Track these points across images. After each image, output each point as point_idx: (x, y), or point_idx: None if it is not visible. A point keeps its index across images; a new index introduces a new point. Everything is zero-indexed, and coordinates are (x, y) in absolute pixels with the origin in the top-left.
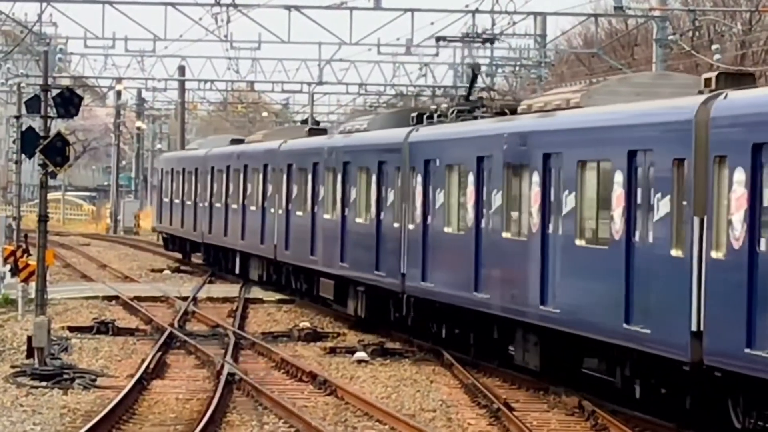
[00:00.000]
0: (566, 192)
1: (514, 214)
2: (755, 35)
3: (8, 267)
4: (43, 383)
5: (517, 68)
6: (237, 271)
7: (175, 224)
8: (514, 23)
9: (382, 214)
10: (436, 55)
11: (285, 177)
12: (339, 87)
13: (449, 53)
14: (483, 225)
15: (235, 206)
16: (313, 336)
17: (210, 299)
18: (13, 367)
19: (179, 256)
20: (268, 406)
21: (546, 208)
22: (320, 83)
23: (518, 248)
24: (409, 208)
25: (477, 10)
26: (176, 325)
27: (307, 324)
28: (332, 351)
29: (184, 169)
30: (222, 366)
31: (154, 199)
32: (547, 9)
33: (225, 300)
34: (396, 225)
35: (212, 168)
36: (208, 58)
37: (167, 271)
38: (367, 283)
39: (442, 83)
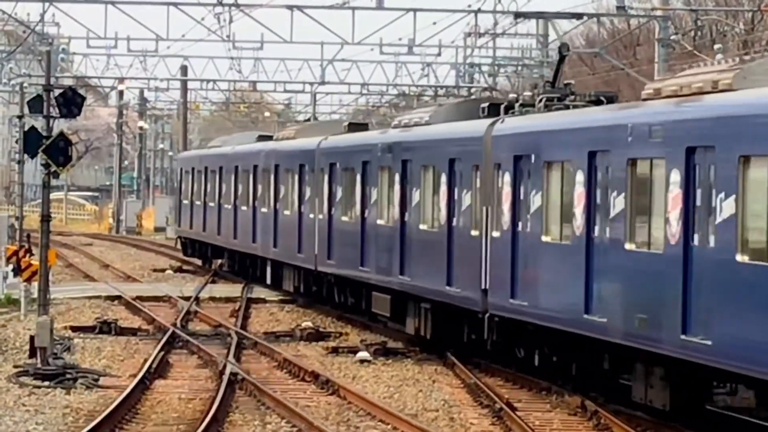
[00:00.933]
0: (722, 194)
1: (641, 220)
2: (757, 35)
3: (11, 267)
4: (46, 383)
5: (520, 68)
6: (269, 281)
7: (196, 228)
8: (517, 23)
9: (455, 220)
10: (439, 55)
11: (327, 178)
12: (341, 87)
13: (451, 53)
14: (597, 234)
15: (265, 210)
16: (316, 336)
17: (212, 299)
18: (15, 366)
19: (199, 262)
20: (270, 406)
21: (691, 215)
22: (322, 83)
23: (652, 263)
24: (493, 213)
25: (480, 10)
26: (179, 324)
27: (310, 324)
28: (335, 351)
29: (206, 168)
30: (224, 366)
31: (156, 199)
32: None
33: (227, 300)
34: (474, 233)
35: (237, 167)
36: (210, 58)
37: (169, 271)
38: (434, 299)
39: (444, 83)
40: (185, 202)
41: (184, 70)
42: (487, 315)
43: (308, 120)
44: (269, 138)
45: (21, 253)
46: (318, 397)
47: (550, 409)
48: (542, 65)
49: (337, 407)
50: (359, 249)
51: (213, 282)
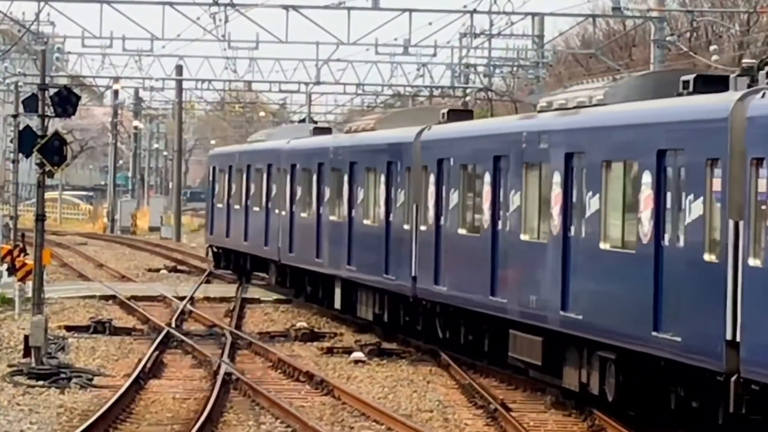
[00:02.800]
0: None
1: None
2: (753, 36)
3: (5, 266)
4: (40, 382)
5: (515, 68)
6: (338, 304)
7: (235, 237)
8: (512, 23)
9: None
10: (434, 55)
11: (434, 179)
12: (336, 87)
13: (447, 54)
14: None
15: (334, 218)
16: (310, 336)
17: (207, 299)
18: (10, 366)
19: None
20: (264, 406)
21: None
22: (318, 83)
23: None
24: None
25: (475, 11)
26: (173, 324)
27: (304, 324)
28: (329, 351)
29: (248, 167)
30: (219, 366)
31: (151, 199)
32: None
33: (222, 300)
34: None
35: (295, 166)
36: (205, 57)
37: (164, 271)
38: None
39: (439, 83)
40: (219, 206)
41: (179, 69)
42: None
43: (303, 121)
44: (326, 131)
45: (15, 253)
46: (312, 398)
47: (545, 410)
48: (537, 66)
49: (331, 407)
50: (488, 272)
51: (208, 282)
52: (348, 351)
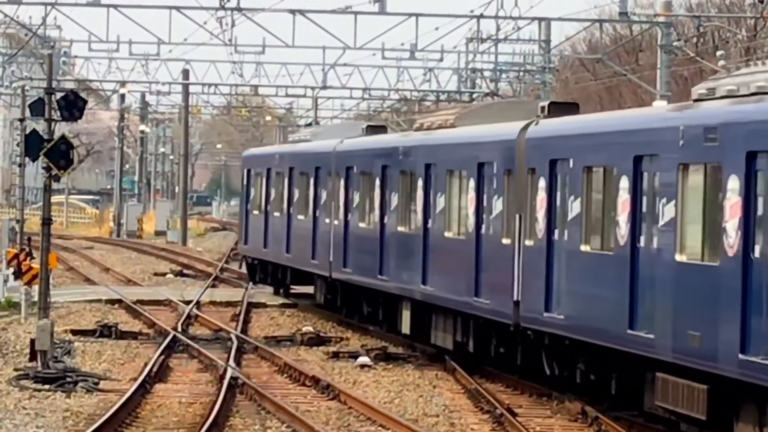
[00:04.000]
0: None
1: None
2: (760, 41)
3: (11, 270)
4: (46, 386)
5: (522, 73)
6: (405, 328)
7: (274, 248)
8: (519, 28)
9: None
10: (441, 60)
11: (544, 184)
12: (343, 91)
13: (453, 58)
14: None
15: (403, 229)
16: (316, 340)
17: (213, 303)
18: (16, 370)
19: (270, 289)
20: (270, 411)
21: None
22: (324, 87)
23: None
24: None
25: (482, 15)
26: (179, 328)
27: (310, 328)
28: (335, 355)
29: (291, 170)
30: (225, 370)
31: (157, 203)
32: (551, 14)
33: (228, 304)
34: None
35: (351, 169)
36: (212, 61)
37: (170, 275)
38: None
39: (446, 88)
40: (255, 213)
41: (185, 73)
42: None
43: (309, 125)
44: (381, 129)
45: (22, 257)
46: (318, 402)
47: (551, 415)
48: (544, 70)
49: (337, 412)
50: (626, 296)
51: (213, 286)
52: (354, 355)
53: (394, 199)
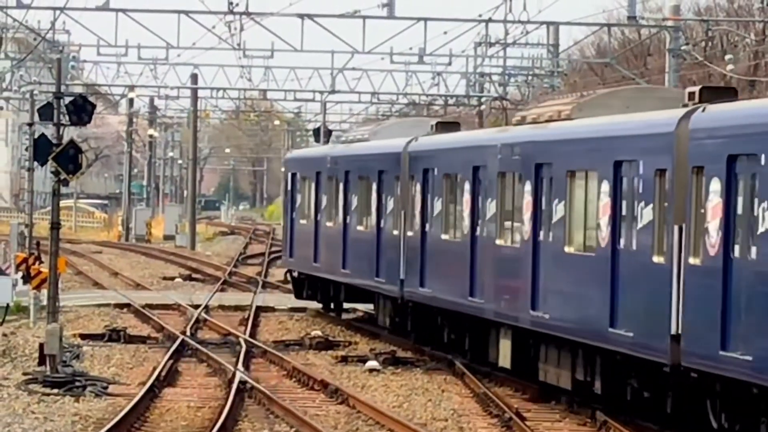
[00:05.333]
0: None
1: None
2: None
3: (20, 274)
4: (55, 390)
5: (530, 77)
6: (505, 362)
7: (327, 262)
8: (527, 32)
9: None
10: (449, 64)
11: (722, 186)
12: (351, 96)
13: (462, 62)
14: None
15: (504, 242)
16: (325, 344)
17: (222, 307)
18: (25, 374)
19: (319, 306)
20: (279, 415)
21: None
22: (333, 92)
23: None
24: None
25: (490, 20)
26: (188, 333)
27: (319, 332)
28: (344, 360)
29: (348, 174)
30: (234, 374)
31: (166, 207)
32: (560, 18)
33: (237, 308)
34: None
35: (428, 171)
36: (220, 66)
37: (179, 279)
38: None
39: (454, 92)
40: (303, 222)
41: (194, 78)
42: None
43: (317, 130)
44: (453, 126)
45: (30, 261)
46: (327, 406)
47: (560, 419)
48: (552, 75)
49: (346, 416)
50: None
51: (222, 290)
52: (363, 360)
53: (491, 207)
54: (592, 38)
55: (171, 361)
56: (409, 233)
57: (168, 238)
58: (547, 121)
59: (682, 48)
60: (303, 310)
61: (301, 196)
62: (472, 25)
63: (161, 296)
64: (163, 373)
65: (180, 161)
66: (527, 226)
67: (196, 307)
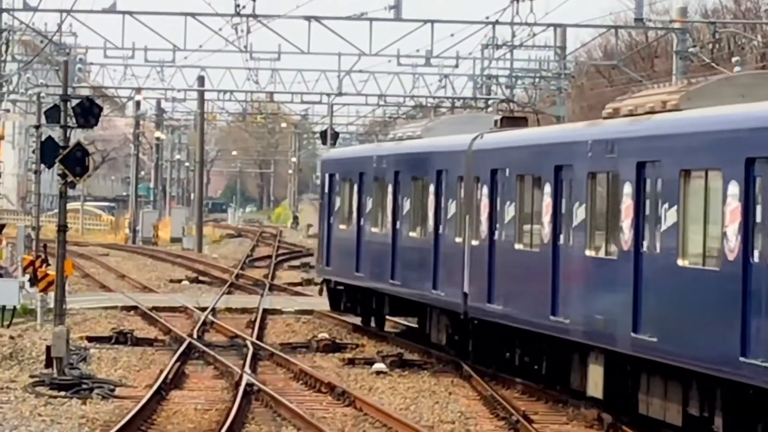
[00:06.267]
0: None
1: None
2: None
3: (27, 277)
4: (62, 393)
5: (537, 80)
6: (595, 390)
7: (372, 272)
8: (534, 35)
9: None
10: (456, 66)
11: None
12: (358, 98)
13: (469, 65)
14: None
15: (595, 253)
16: (332, 347)
17: (229, 310)
18: (32, 376)
19: (357, 320)
20: (286, 417)
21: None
22: (339, 94)
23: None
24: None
25: (497, 22)
26: (195, 335)
27: (326, 335)
28: (351, 362)
29: (398, 175)
30: (240, 376)
31: (172, 210)
32: (567, 20)
33: (244, 311)
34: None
35: (496, 172)
36: (227, 68)
37: (186, 282)
38: None
39: (461, 95)
40: (342, 227)
41: (201, 80)
42: None
43: (324, 132)
44: (521, 121)
45: (37, 263)
46: (334, 409)
47: (567, 422)
48: (560, 77)
49: (353, 419)
50: None
51: (229, 293)
52: (370, 362)
53: (578, 212)
54: (599, 40)
55: (178, 364)
56: (474, 242)
57: (175, 240)
58: (648, 113)
59: (690, 50)
60: (310, 312)
61: (340, 199)
62: (479, 27)
63: (168, 299)
64: (170, 376)
65: (187, 164)
66: (626, 235)
67: (203, 309)
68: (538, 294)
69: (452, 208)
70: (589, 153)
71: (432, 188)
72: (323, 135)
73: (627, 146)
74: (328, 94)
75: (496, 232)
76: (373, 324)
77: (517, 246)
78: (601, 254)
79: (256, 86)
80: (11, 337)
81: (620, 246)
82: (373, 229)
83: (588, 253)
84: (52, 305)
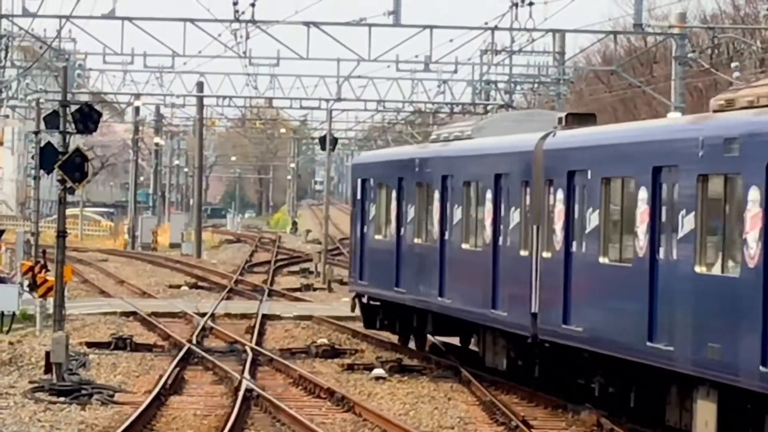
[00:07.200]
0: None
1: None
2: None
3: (26, 282)
4: (61, 399)
5: (536, 85)
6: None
7: (414, 287)
8: (533, 40)
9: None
10: (455, 72)
11: None
12: (357, 104)
13: (468, 70)
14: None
15: (706, 269)
16: (331, 352)
17: (228, 315)
18: (31, 382)
19: (395, 339)
20: (285, 423)
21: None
22: (338, 100)
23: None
24: None
25: (496, 27)
26: (194, 341)
27: (325, 340)
28: (350, 368)
29: (445, 179)
30: (240, 382)
31: (171, 216)
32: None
33: (243, 316)
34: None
35: (573, 174)
36: (226, 74)
37: (185, 287)
38: None
39: (460, 100)
40: (378, 238)
41: (200, 86)
42: None
43: (323, 138)
44: (589, 118)
45: (36, 269)
46: (333, 414)
47: (566, 427)
48: (558, 82)
49: (352, 424)
50: None
51: (228, 298)
52: (369, 367)
53: (686, 221)
54: (598, 46)
55: (177, 369)
56: (546, 254)
57: (174, 246)
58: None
59: (689, 55)
60: (309, 318)
61: (375, 206)
62: (478, 33)
63: (167, 304)
64: (170, 381)
65: (186, 169)
66: (754, 248)
67: (202, 315)
68: (630, 316)
69: (515, 216)
70: (700, 152)
71: (489, 194)
72: (322, 140)
73: (753, 143)
74: (327, 100)
75: (574, 244)
76: (412, 344)
77: (602, 260)
78: (716, 272)
79: (255, 92)
80: (10, 343)
81: (746, 262)
82: (416, 240)
83: (699, 269)
84: (51, 311)
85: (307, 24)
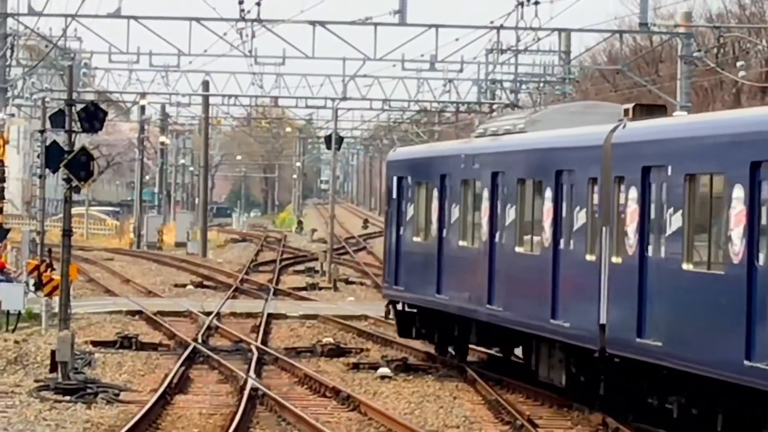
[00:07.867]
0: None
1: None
2: None
3: (32, 281)
4: (67, 397)
5: (542, 84)
6: None
7: (461, 293)
8: (539, 39)
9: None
10: (461, 71)
11: None
12: (363, 103)
13: (473, 69)
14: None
15: None
16: (337, 351)
17: (233, 314)
18: (36, 381)
19: (431, 349)
20: (291, 422)
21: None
22: (344, 99)
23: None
24: None
25: (502, 27)
26: (199, 340)
27: (331, 339)
28: (355, 366)
29: (495, 176)
30: (245, 381)
31: (177, 215)
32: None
33: (248, 315)
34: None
35: (651, 170)
36: (232, 73)
37: (190, 286)
38: None
39: (465, 99)
40: (417, 240)
41: (205, 85)
42: None
43: (329, 137)
44: (659, 109)
45: (42, 268)
46: (339, 413)
47: (572, 426)
48: (564, 81)
49: (357, 423)
50: None
51: (234, 297)
52: (374, 366)
53: (578, 217)
54: (604, 45)
55: (183, 368)
56: (616, 259)
57: (179, 245)
58: None
59: (694, 55)
60: (315, 317)
61: (414, 206)
62: (484, 32)
63: (173, 303)
64: (175, 380)
65: (191, 168)
66: None
67: (208, 314)
68: (721, 330)
69: (580, 217)
70: None
71: (548, 192)
72: (328, 140)
73: None
74: (333, 99)
75: (650, 248)
76: (451, 354)
77: (686, 266)
78: None
79: (261, 91)
80: (16, 342)
81: None
82: (461, 243)
83: None
84: (56, 310)
85: (312, 23)
